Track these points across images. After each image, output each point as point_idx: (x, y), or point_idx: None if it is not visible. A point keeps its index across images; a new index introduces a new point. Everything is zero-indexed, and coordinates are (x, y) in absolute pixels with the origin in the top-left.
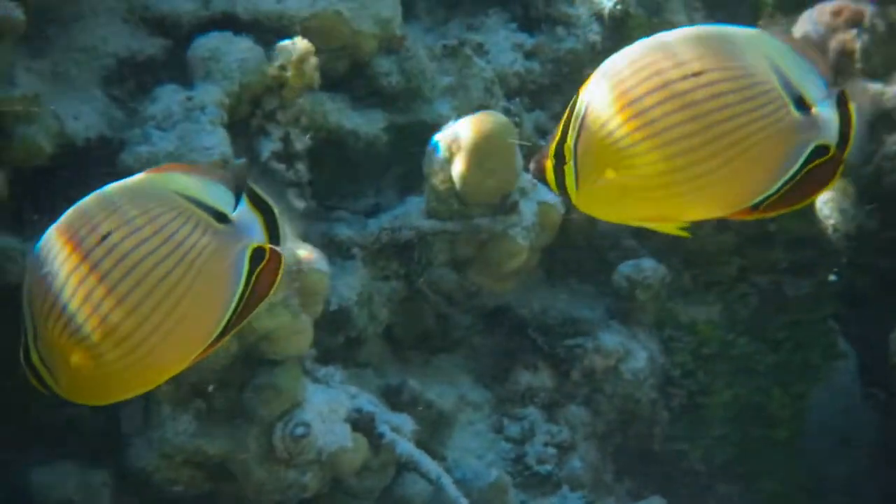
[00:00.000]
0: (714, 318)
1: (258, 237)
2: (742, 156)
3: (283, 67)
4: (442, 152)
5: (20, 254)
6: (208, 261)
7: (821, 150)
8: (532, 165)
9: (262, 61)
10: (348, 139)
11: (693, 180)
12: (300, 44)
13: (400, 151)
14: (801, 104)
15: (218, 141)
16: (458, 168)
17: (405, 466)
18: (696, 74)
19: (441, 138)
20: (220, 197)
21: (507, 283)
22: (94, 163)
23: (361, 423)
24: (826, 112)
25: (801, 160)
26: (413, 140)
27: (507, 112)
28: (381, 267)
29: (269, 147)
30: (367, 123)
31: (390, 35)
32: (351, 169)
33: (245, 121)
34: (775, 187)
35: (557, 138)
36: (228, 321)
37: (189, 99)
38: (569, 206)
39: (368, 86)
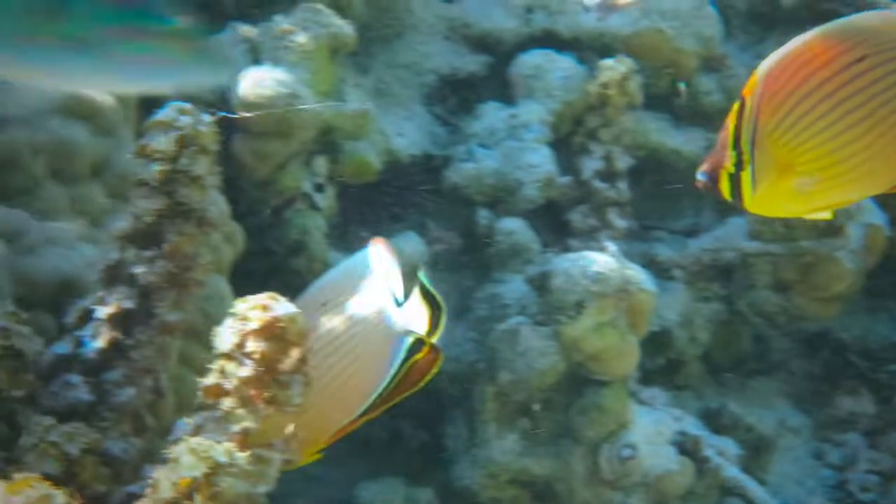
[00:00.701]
0: None
1: (421, 329)
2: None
3: (605, 86)
4: None
5: None
6: (373, 340)
7: None
8: (702, 179)
9: (584, 79)
10: (669, 158)
11: (865, 164)
12: (623, 62)
13: None
14: None
15: (542, 159)
16: None
17: (730, 491)
18: (859, 60)
19: None
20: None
21: (832, 308)
22: (417, 180)
23: (687, 446)
24: None
25: None
26: None
27: None
28: (702, 288)
29: (591, 165)
30: (689, 142)
31: (712, 53)
32: (672, 188)
33: (567, 139)
34: None
35: (731, 144)
36: (371, 404)
37: (513, 116)
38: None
39: (689, 104)
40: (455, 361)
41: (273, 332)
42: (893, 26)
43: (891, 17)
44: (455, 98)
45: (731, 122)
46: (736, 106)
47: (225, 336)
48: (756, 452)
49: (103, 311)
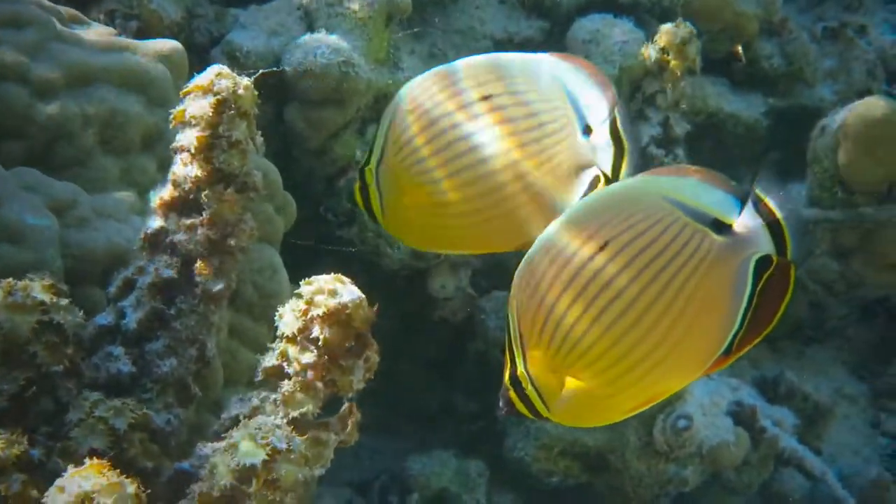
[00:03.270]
0: None
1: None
2: (687, 309)
3: (664, 51)
4: (828, 138)
5: None
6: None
7: (764, 262)
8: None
9: (642, 45)
10: (727, 123)
11: (649, 358)
12: (682, 27)
13: (779, 136)
14: (720, 226)
15: None
16: (844, 155)
17: (786, 461)
18: (600, 250)
19: (827, 124)
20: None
21: (891, 275)
22: None
23: (743, 417)
24: (750, 222)
25: (749, 282)
26: (793, 125)
27: (889, 96)
28: None
29: (648, 132)
30: (747, 107)
31: (772, 17)
32: (728, 153)
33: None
34: (737, 322)
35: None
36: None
37: None
38: None
39: (749, 68)
40: (504, 330)
41: (339, 318)
42: (633, 206)
43: (625, 196)
44: None
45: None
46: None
47: (289, 319)
48: (812, 421)
49: (144, 281)
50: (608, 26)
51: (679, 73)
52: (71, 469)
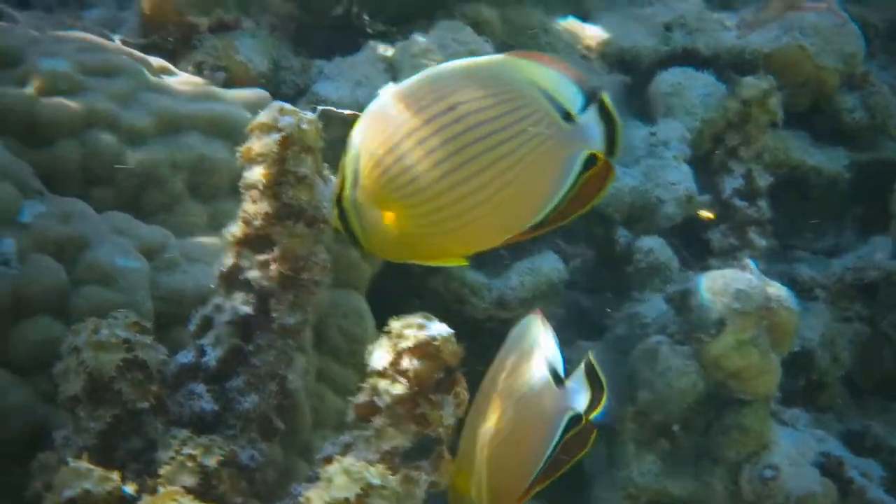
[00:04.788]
0: None
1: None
2: (517, 180)
3: (745, 103)
4: None
5: (486, 288)
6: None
7: (591, 159)
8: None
9: (724, 97)
10: (810, 176)
11: (470, 212)
12: (764, 80)
13: (862, 189)
14: (567, 117)
15: (682, 176)
16: None
17: None
18: (453, 107)
19: None
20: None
21: None
22: None
23: (830, 468)
24: (590, 121)
25: (574, 173)
26: (876, 178)
27: None
28: (844, 308)
29: (731, 184)
30: (830, 160)
31: (854, 70)
32: (812, 207)
33: (707, 156)
34: (553, 204)
35: (339, 187)
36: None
37: (653, 134)
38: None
39: (831, 122)
40: None
41: (428, 351)
42: (478, 76)
43: (490, 63)
44: None
45: (341, 163)
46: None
47: (379, 354)
48: None
49: (222, 318)
50: (689, 79)
51: (761, 126)
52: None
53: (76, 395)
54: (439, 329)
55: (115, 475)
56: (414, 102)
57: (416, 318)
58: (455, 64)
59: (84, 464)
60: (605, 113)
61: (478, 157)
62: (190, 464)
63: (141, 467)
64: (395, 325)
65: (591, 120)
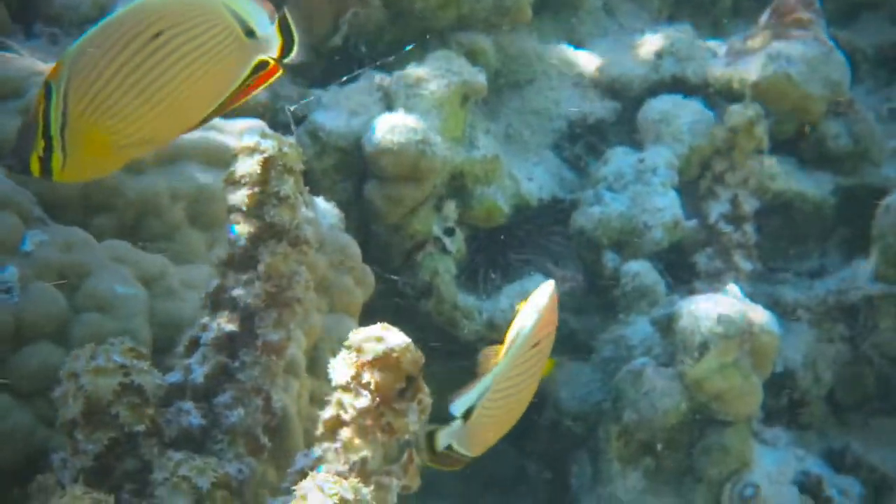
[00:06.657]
0: None
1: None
2: (200, 82)
3: (732, 130)
4: (892, 216)
5: (477, 311)
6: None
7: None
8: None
9: (711, 124)
10: (795, 201)
11: (165, 118)
12: (750, 108)
13: (846, 214)
14: (251, 34)
15: (669, 202)
16: None
17: None
18: (156, 36)
19: (892, 202)
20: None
21: None
22: (545, 223)
23: (809, 486)
24: (269, 35)
25: (246, 72)
26: (860, 203)
27: None
28: (827, 329)
29: (717, 209)
30: (815, 186)
31: (839, 97)
32: (797, 231)
33: (693, 182)
34: (223, 98)
35: (41, 129)
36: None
37: (641, 161)
38: None
39: (816, 148)
40: (580, 401)
41: (388, 363)
42: (184, 4)
43: None
44: (583, 143)
45: (38, 108)
46: (42, 92)
47: (340, 369)
48: (879, 493)
49: (208, 337)
50: (678, 107)
51: (747, 152)
52: None
53: (74, 419)
54: (397, 340)
55: (111, 498)
56: (115, 36)
57: (375, 331)
58: None
59: (80, 487)
60: (286, 28)
61: (172, 69)
62: (184, 485)
63: (137, 488)
64: (354, 338)
65: (271, 35)
